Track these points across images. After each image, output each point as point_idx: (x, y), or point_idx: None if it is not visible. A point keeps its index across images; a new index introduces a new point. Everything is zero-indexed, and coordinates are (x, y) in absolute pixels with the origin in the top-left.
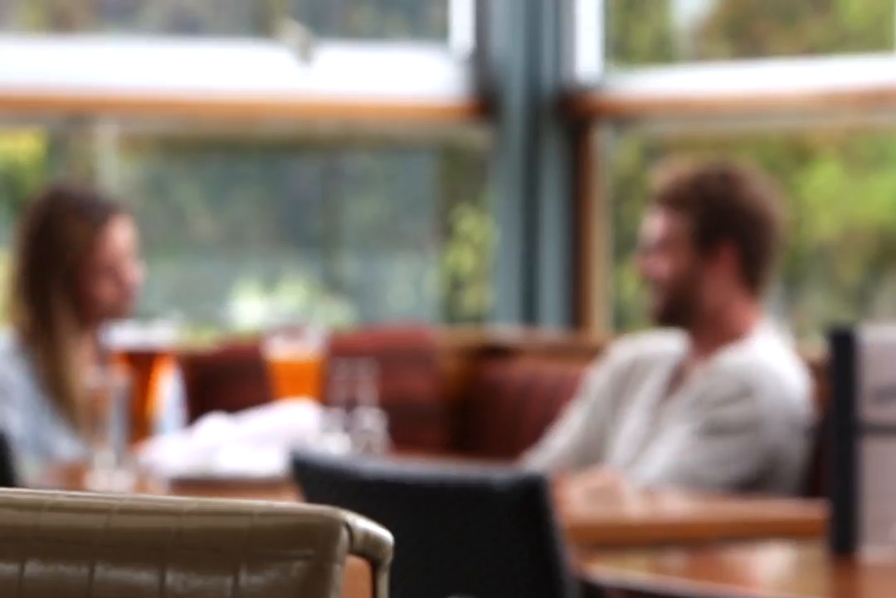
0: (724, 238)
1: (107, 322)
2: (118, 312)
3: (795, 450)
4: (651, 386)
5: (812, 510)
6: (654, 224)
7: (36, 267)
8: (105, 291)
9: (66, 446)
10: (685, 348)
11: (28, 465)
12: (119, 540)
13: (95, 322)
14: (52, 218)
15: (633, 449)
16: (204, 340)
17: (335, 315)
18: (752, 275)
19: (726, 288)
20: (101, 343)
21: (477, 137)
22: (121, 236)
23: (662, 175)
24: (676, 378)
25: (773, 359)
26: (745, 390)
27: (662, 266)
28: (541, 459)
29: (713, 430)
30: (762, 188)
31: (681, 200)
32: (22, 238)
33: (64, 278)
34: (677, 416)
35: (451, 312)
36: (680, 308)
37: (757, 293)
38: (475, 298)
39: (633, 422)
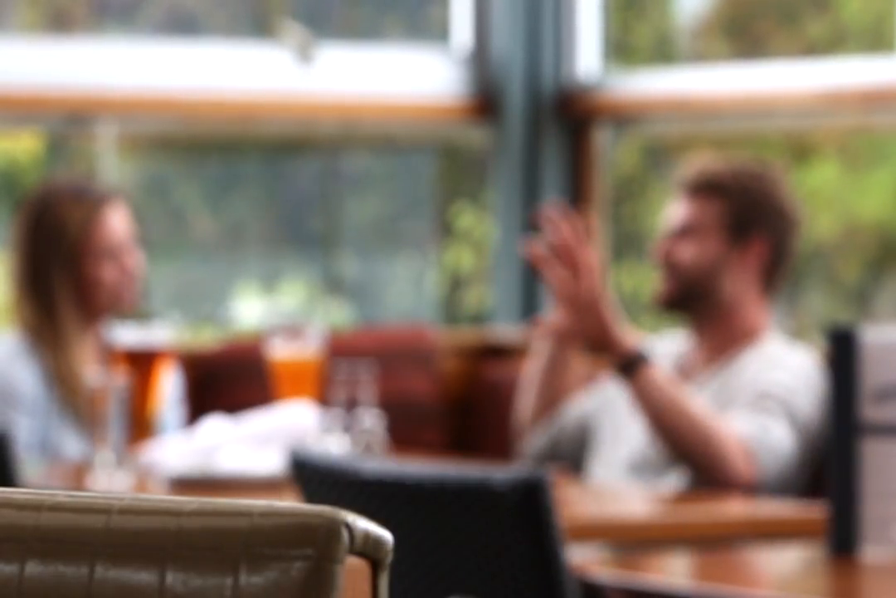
0: (758, 232)
1: (110, 310)
2: (121, 298)
3: (801, 458)
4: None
5: (812, 510)
6: (680, 210)
7: (36, 257)
8: (107, 274)
9: (73, 446)
10: (690, 344)
11: (29, 465)
12: (119, 540)
13: (99, 311)
14: (47, 207)
15: (637, 442)
16: (204, 340)
17: (335, 315)
18: (772, 275)
19: (746, 283)
20: (105, 340)
21: (477, 136)
22: (118, 220)
23: (696, 164)
24: (681, 375)
25: (793, 362)
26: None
27: (686, 251)
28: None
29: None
30: (792, 191)
31: (719, 187)
32: (19, 231)
33: (64, 264)
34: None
35: (451, 312)
36: (694, 295)
37: (770, 295)
38: (475, 297)
39: (633, 428)
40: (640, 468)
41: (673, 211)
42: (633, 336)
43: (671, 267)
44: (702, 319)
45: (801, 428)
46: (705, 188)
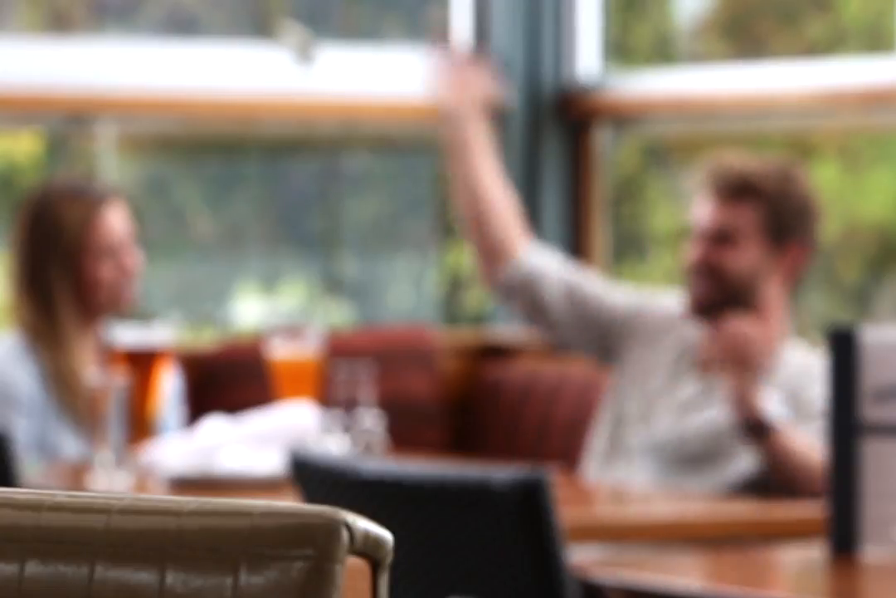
0: (795, 235)
1: (109, 310)
2: (119, 298)
3: None
4: (666, 358)
5: (812, 510)
6: (713, 213)
7: (34, 255)
8: (105, 273)
9: (71, 446)
10: (706, 337)
11: (28, 465)
12: (119, 540)
13: (98, 310)
14: (46, 207)
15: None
16: (204, 340)
17: (335, 315)
18: (801, 279)
19: (781, 287)
20: (104, 339)
21: None
22: (117, 219)
23: (721, 163)
24: (698, 366)
25: (817, 370)
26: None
27: (727, 259)
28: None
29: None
30: (815, 190)
31: (750, 189)
32: (18, 231)
33: (63, 264)
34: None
35: (451, 312)
36: (732, 302)
37: (790, 294)
38: (475, 298)
39: (654, 384)
40: (672, 463)
41: (704, 212)
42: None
43: (711, 274)
44: (724, 318)
45: None
46: (739, 191)
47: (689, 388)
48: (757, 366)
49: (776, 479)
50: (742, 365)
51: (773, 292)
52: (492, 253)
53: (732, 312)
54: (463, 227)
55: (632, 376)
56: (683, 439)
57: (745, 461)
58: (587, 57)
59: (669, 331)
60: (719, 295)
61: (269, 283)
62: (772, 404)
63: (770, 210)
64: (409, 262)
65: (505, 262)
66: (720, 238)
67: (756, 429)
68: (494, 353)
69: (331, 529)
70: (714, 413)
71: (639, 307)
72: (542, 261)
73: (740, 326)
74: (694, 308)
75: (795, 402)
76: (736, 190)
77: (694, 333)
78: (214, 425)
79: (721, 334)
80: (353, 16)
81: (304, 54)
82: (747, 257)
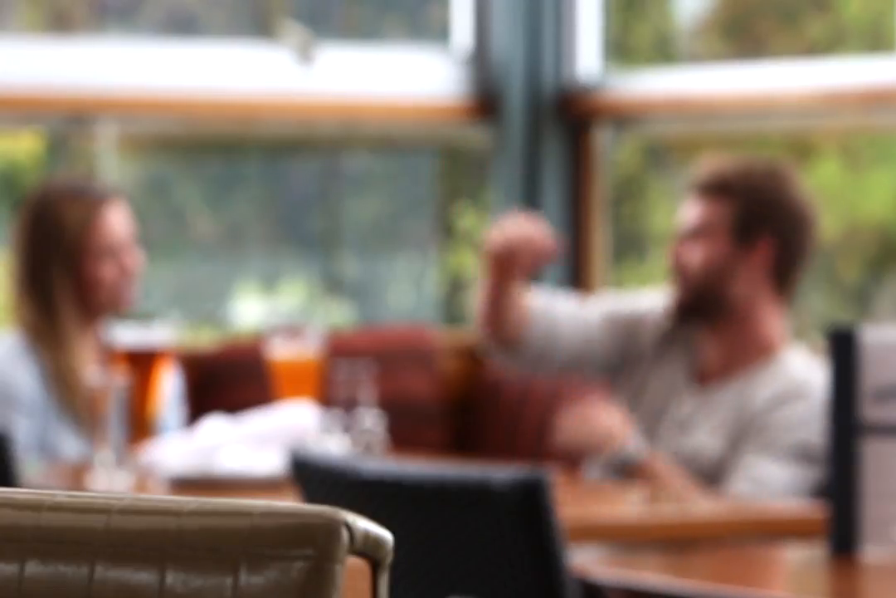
0: (765, 231)
1: (109, 310)
2: (120, 298)
3: (812, 482)
4: (670, 369)
5: (812, 510)
6: (691, 212)
7: (35, 255)
8: (106, 273)
9: (71, 446)
10: (705, 348)
11: (28, 465)
12: (119, 540)
13: (99, 310)
14: (46, 207)
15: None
16: (204, 340)
17: (335, 315)
18: (783, 275)
19: (756, 284)
20: (104, 339)
21: (477, 136)
22: (117, 219)
23: (705, 165)
24: (696, 379)
25: (812, 385)
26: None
27: (695, 254)
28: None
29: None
30: (805, 190)
31: (725, 187)
32: (19, 231)
33: (64, 263)
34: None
35: (451, 312)
36: (704, 300)
37: (784, 297)
38: (475, 298)
39: (655, 397)
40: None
41: (684, 213)
42: (626, 436)
43: (681, 271)
44: (715, 324)
45: (814, 458)
46: (712, 188)
47: (686, 404)
48: (598, 443)
49: None
50: (585, 446)
51: (749, 290)
52: (509, 338)
53: (708, 313)
54: (484, 336)
55: (634, 392)
56: (678, 462)
57: (733, 486)
58: (587, 57)
59: (668, 345)
60: (691, 294)
61: (269, 283)
62: (630, 442)
63: (740, 206)
64: (409, 262)
65: (521, 332)
66: (693, 236)
67: (621, 471)
68: None
69: (331, 529)
70: (703, 439)
71: (627, 330)
72: (545, 301)
73: (585, 412)
74: (672, 310)
75: (760, 421)
76: (711, 189)
77: (693, 342)
78: (214, 425)
79: (565, 423)
80: (353, 16)
81: (305, 54)
82: (713, 253)
